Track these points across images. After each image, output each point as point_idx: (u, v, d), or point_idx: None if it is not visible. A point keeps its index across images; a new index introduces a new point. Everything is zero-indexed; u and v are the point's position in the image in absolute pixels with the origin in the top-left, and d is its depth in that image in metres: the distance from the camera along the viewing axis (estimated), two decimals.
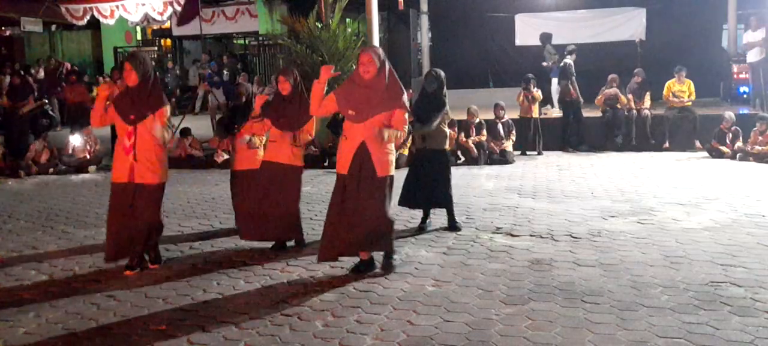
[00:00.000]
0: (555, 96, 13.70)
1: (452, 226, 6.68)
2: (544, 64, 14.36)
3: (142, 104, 5.34)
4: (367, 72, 5.10)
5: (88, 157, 11.55)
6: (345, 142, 5.25)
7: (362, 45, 11.68)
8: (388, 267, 5.40)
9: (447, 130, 6.71)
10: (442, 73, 6.62)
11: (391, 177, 5.27)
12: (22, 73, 16.27)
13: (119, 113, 5.37)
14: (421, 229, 6.69)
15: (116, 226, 5.43)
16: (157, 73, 5.86)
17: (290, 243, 6.19)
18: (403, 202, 6.69)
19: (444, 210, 6.76)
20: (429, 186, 6.59)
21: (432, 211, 6.84)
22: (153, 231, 5.55)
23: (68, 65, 20.67)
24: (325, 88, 5.34)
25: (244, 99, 6.91)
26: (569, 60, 12.65)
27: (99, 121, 5.49)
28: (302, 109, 5.88)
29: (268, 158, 6.03)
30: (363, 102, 5.12)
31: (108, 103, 5.44)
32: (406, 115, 5.27)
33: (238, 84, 7.05)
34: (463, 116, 11.19)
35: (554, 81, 13.74)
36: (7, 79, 17.43)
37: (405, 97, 5.23)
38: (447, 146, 6.75)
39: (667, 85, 12.25)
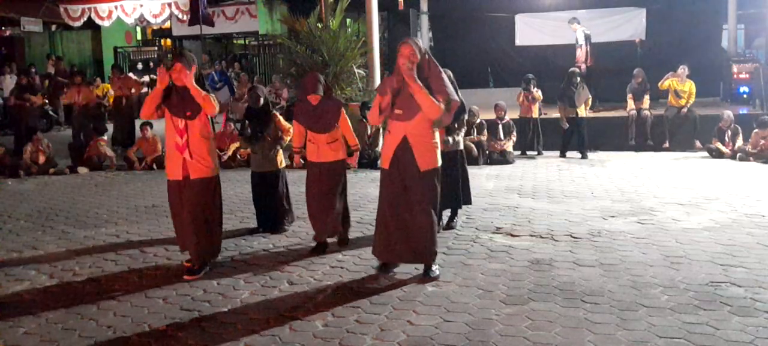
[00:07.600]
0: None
1: (449, 225, 6.69)
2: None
3: (193, 101, 5.39)
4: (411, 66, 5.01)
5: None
6: (388, 136, 5.21)
7: (362, 45, 11.69)
8: (428, 278, 5.19)
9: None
10: (451, 73, 6.72)
11: (436, 171, 5.15)
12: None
13: (173, 111, 5.44)
14: (451, 227, 6.67)
15: (177, 221, 5.61)
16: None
17: (331, 239, 6.22)
18: None
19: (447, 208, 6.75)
20: (451, 186, 6.54)
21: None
22: (211, 224, 5.57)
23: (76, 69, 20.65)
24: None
25: (260, 102, 6.78)
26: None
27: (152, 112, 5.46)
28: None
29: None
30: (407, 99, 5.05)
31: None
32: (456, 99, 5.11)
33: (253, 87, 7.00)
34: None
35: None
36: (6, 77, 17.46)
37: (449, 85, 5.12)
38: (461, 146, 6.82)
39: (669, 81, 12.22)
